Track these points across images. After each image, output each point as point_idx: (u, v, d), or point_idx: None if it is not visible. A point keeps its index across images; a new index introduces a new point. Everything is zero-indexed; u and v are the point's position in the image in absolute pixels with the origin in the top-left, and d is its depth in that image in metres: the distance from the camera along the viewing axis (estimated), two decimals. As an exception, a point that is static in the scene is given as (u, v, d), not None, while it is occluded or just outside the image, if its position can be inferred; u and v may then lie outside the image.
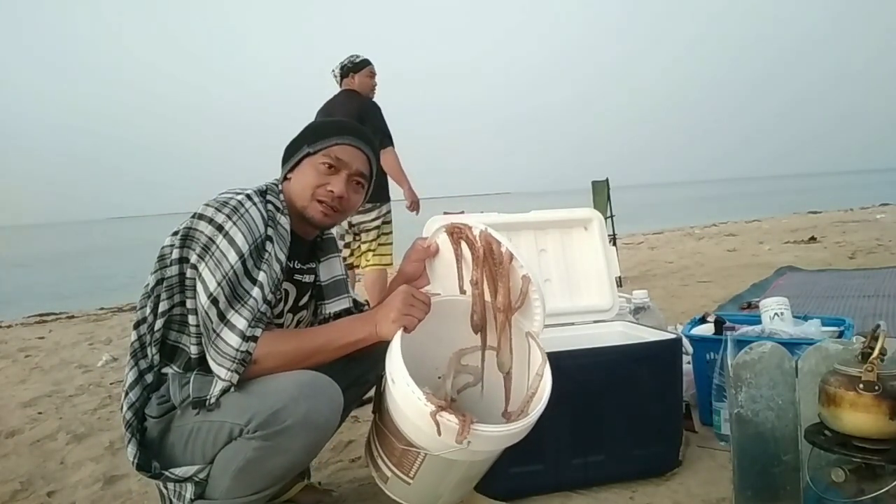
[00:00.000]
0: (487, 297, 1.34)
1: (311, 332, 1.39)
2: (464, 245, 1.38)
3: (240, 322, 1.25)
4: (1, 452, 2.30)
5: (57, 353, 4.28)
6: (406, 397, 1.20)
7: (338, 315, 1.54)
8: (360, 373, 1.50)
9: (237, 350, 1.24)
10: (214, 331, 1.25)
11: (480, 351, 1.38)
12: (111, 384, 3.23)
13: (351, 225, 3.78)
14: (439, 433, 1.17)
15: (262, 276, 1.29)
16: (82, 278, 13.49)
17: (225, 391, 1.27)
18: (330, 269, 1.54)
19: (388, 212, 3.91)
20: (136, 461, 1.33)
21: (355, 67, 3.80)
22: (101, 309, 6.89)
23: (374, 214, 3.80)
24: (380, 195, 3.81)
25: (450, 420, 1.16)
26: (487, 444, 1.21)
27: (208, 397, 1.28)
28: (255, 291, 1.28)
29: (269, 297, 1.31)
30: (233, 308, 1.26)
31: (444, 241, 1.42)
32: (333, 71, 3.82)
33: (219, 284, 1.25)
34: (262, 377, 1.27)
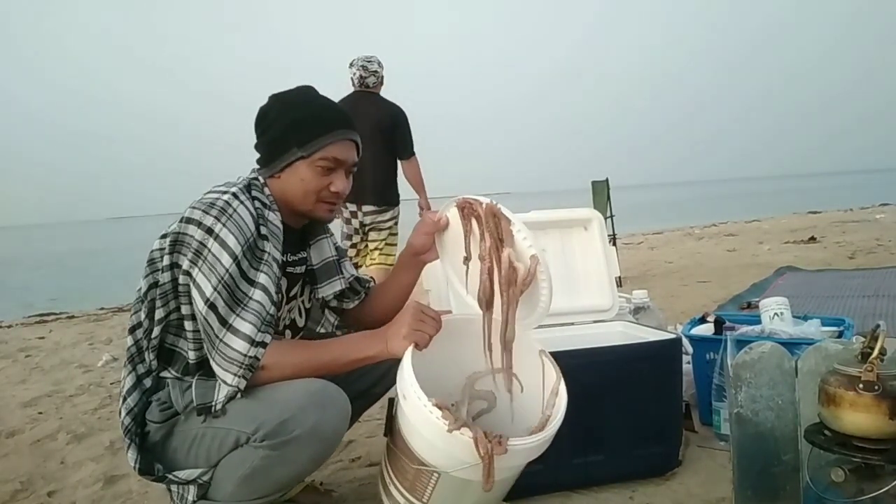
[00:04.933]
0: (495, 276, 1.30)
1: (322, 345, 1.37)
2: (474, 222, 1.34)
3: (245, 326, 1.23)
4: (1, 452, 2.30)
5: (57, 353, 4.28)
6: (418, 412, 1.18)
7: (336, 297, 1.54)
8: (368, 384, 1.50)
9: (245, 355, 1.22)
10: (217, 336, 1.23)
11: (491, 359, 1.35)
12: (111, 384, 3.23)
13: (362, 225, 3.79)
14: (479, 453, 1.14)
15: (263, 279, 1.28)
16: (82, 278, 13.50)
17: (230, 398, 1.26)
18: (320, 252, 1.52)
19: (399, 213, 3.96)
20: (137, 466, 1.33)
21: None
22: (101, 309, 6.89)
23: (388, 215, 3.84)
24: (395, 198, 3.86)
25: (463, 434, 1.14)
26: (506, 459, 1.18)
27: (213, 403, 1.27)
28: (258, 294, 1.26)
29: (275, 298, 1.30)
30: (234, 312, 1.24)
31: (454, 216, 1.39)
32: (376, 71, 3.69)
33: (215, 289, 1.23)
34: (270, 384, 1.26)
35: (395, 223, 3.92)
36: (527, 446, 1.21)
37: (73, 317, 6.44)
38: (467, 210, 1.34)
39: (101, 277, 12.92)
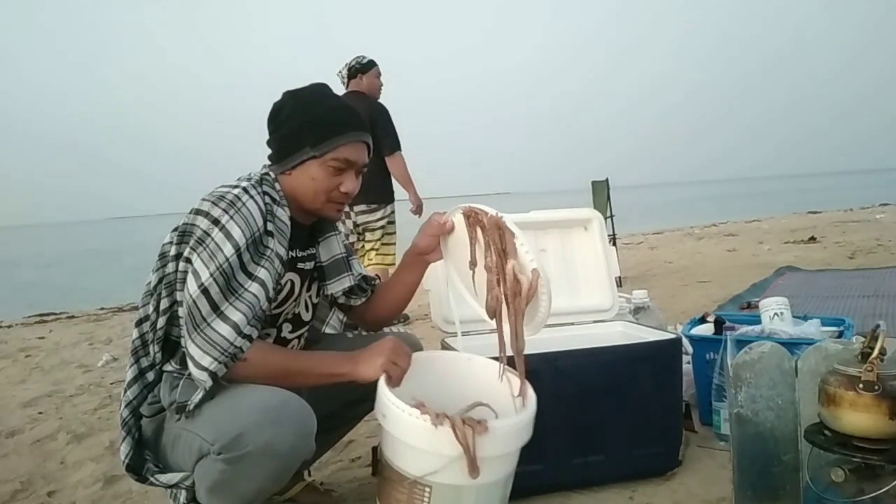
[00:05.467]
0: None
1: (300, 354, 1.41)
2: (479, 231, 1.37)
3: (236, 315, 1.23)
4: (1, 452, 2.31)
5: (57, 353, 4.28)
6: (399, 421, 1.20)
7: (345, 293, 1.55)
8: (360, 395, 1.50)
9: (231, 343, 1.22)
10: (205, 319, 1.22)
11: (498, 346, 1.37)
12: (111, 384, 3.23)
13: (356, 225, 3.79)
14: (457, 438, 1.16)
15: (263, 274, 1.28)
16: (82, 278, 13.49)
17: (204, 399, 1.24)
18: (329, 249, 1.53)
19: (392, 212, 3.94)
20: (126, 460, 1.33)
21: (363, 68, 3.81)
22: (101, 309, 6.87)
23: (379, 214, 3.82)
24: (385, 196, 3.84)
25: (445, 424, 1.16)
26: (490, 445, 1.19)
27: (188, 403, 1.25)
28: (255, 288, 1.26)
29: (271, 294, 1.30)
30: (227, 300, 1.24)
31: (459, 221, 1.42)
32: (340, 72, 3.82)
33: (211, 275, 1.23)
34: (239, 391, 1.25)
35: (389, 222, 3.90)
36: (508, 429, 1.22)
37: (73, 317, 6.43)
38: (473, 219, 1.36)
39: (101, 277, 12.91)
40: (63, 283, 12.40)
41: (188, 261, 1.27)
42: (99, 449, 2.26)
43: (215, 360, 1.21)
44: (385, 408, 1.24)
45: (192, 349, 1.23)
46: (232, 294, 1.25)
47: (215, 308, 1.23)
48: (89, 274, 14.46)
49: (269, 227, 1.32)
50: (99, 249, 27.23)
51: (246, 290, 1.26)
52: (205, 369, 1.22)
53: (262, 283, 1.28)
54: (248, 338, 1.25)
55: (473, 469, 1.16)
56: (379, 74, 3.88)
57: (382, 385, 1.26)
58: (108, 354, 3.92)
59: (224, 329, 1.22)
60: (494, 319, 1.34)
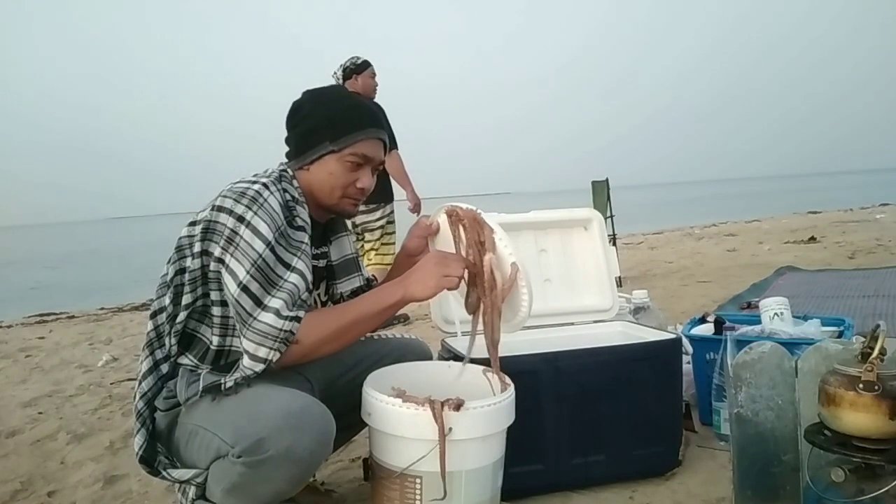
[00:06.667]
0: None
1: (348, 304, 1.41)
2: (461, 227, 1.40)
3: (275, 303, 1.25)
4: (1, 452, 2.30)
5: (57, 353, 4.28)
6: (383, 415, 1.24)
7: (353, 293, 1.56)
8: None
9: (277, 328, 1.24)
10: (251, 314, 1.25)
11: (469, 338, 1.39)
12: (111, 384, 3.23)
13: (355, 225, 3.80)
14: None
15: (301, 265, 1.30)
16: (82, 278, 13.49)
17: (246, 378, 1.27)
18: (340, 249, 1.56)
19: (392, 212, 3.94)
20: (140, 452, 1.34)
21: (358, 69, 3.82)
22: (102, 309, 6.88)
23: (378, 214, 3.82)
24: (383, 196, 3.84)
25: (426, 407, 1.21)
26: (467, 425, 1.22)
27: (223, 382, 1.28)
28: (295, 278, 1.29)
29: (310, 286, 1.33)
30: (269, 293, 1.26)
31: (444, 221, 1.46)
32: (335, 73, 3.84)
33: (248, 272, 1.25)
34: (261, 393, 1.27)
35: (388, 222, 3.91)
36: (485, 408, 1.25)
37: (73, 317, 6.43)
38: (454, 217, 1.39)
39: (102, 277, 12.91)
40: (63, 283, 12.40)
41: (220, 261, 1.28)
42: (99, 449, 2.26)
43: (270, 349, 1.25)
44: (370, 406, 1.28)
45: (247, 344, 1.26)
46: (273, 286, 1.27)
47: (258, 302, 1.25)
48: (89, 274, 14.45)
49: (298, 222, 1.35)
50: (99, 249, 27.22)
51: (286, 280, 1.28)
52: (261, 360, 1.25)
53: (301, 274, 1.30)
54: (295, 319, 1.26)
55: (443, 435, 1.19)
56: (374, 74, 3.89)
57: (366, 385, 1.31)
58: (108, 354, 3.92)
59: (268, 318, 1.24)
60: (473, 316, 1.37)
